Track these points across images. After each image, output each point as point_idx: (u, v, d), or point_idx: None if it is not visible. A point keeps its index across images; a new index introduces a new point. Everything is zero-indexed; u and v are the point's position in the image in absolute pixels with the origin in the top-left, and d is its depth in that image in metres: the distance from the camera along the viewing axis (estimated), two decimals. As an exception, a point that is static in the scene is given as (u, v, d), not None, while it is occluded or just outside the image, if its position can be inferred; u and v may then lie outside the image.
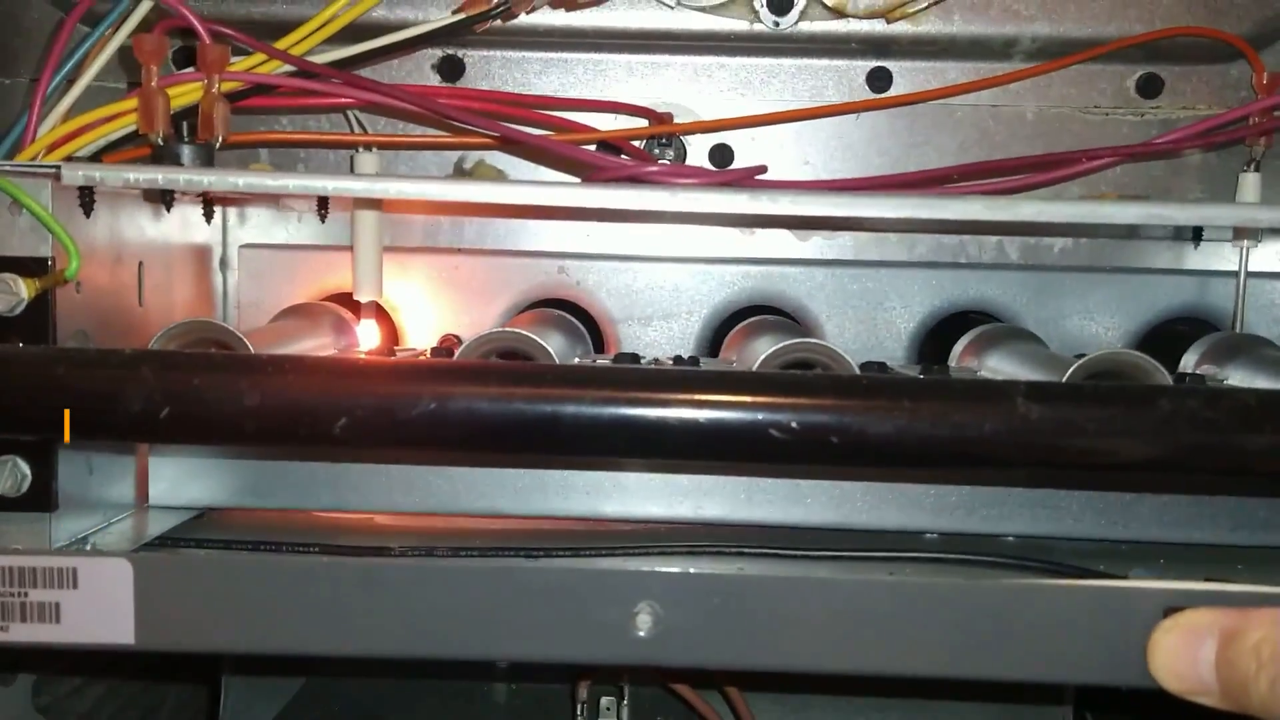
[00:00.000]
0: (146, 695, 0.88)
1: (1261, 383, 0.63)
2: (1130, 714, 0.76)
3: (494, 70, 0.75)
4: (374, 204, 0.69)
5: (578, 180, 0.68)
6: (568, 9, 0.63)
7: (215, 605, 0.48)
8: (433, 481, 0.60)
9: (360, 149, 0.67)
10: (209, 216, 0.69)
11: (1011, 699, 0.79)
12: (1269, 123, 0.65)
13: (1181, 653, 0.43)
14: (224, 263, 0.75)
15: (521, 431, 0.46)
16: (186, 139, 0.54)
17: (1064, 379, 0.54)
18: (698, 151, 0.76)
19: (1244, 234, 0.71)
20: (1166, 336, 0.74)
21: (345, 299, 0.73)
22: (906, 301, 0.76)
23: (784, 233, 0.77)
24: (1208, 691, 0.42)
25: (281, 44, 0.58)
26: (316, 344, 0.66)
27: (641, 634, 0.47)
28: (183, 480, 0.60)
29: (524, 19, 0.68)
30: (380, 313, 0.74)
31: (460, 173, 0.73)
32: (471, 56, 0.75)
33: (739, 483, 0.60)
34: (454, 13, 0.61)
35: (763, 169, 0.61)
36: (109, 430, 0.48)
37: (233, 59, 0.58)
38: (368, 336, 0.72)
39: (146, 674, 0.87)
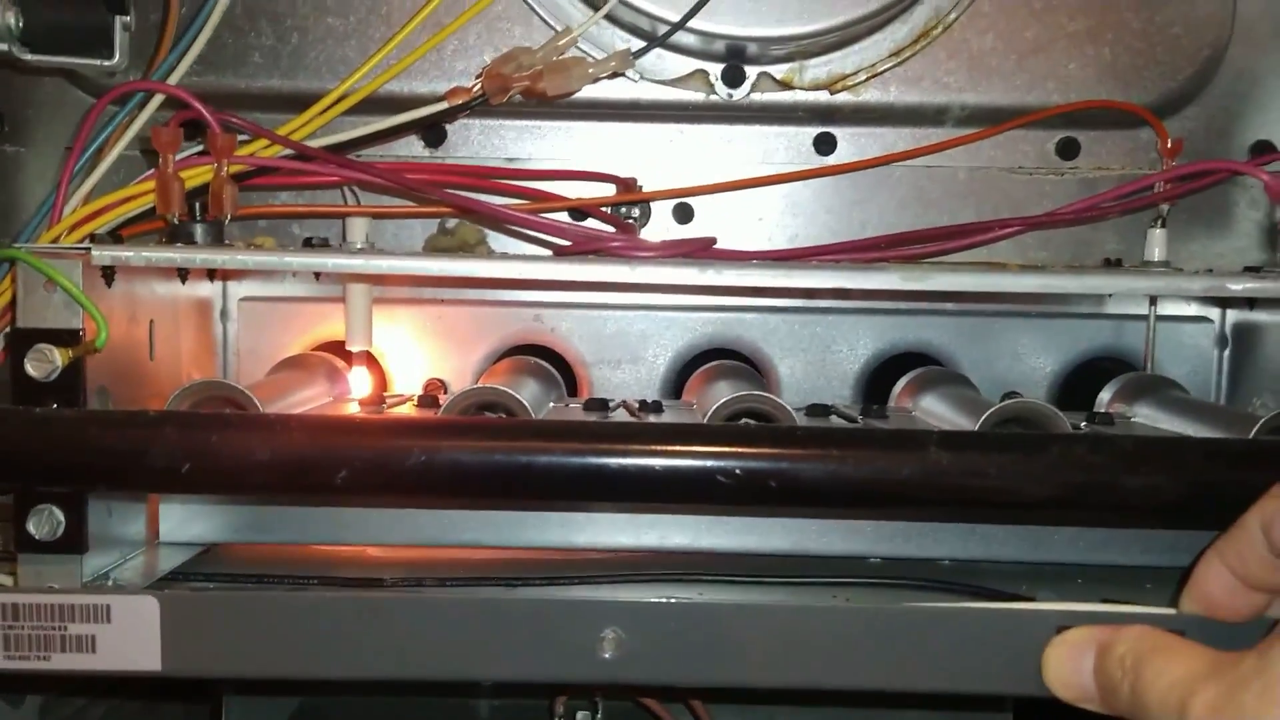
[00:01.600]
0: (147, 713, 0.92)
1: (1164, 420, 0.70)
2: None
3: (473, 136, 0.81)
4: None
5: (548, 251, 0.74)
6: (539, 101, 0.70)
7: (229, 636, 0.53)
8: (421, 517, 0.63)
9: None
10: (212, 277, 0.75)
11: (957, 706, 0.82)
12: (1173, 190, 0.72)
13: (1066, 664, 0.48)
14: (225, 314, 0.80)
15: (500, 481, 0.52)
16: (199, 217, 0.60)
17: (977, 425, 0.61)
18: (662, 209, 0.81)
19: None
20: (1088, 373, 0.81)
21: (337, 347, 0.78)
22: (853, 344, 0.82)
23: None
24: (1090, 698, 0.47)
25: (283, 130, 0.65)
26: (314, 393, 0.71)
27: (606, 656, 0.52)
28: (190, 519, 0.63)
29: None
30: (370, 360, 0.79)
31: (444, 232, 0.79)
32: (452, 125, 0.80)
33: (700, 514, 0.64)
34: (438, 101, 0.68)
35: (713, 240, 0.68)
36: (135, 484, 0.54)
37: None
38: (359, 384, 0.77)
39: (151, 693, 0.90)
